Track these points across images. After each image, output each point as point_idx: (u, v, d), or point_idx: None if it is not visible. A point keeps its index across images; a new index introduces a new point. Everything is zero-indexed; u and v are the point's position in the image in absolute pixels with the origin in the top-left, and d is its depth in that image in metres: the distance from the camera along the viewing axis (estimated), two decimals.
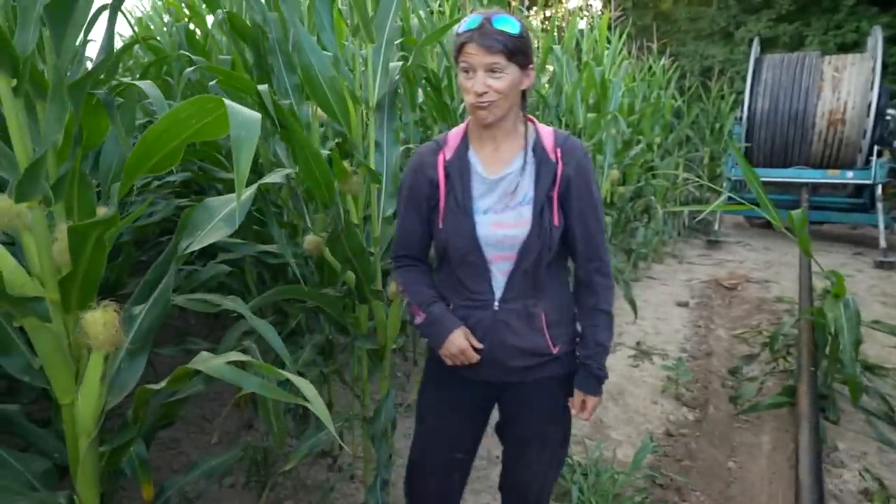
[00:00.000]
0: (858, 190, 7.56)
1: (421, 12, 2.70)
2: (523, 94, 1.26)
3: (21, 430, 1.14)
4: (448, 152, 1.30)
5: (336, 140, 2.06)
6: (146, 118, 2.56)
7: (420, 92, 3.05)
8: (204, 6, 3.24)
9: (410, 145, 2.69)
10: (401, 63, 1.89)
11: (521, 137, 1.28)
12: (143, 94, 1.24)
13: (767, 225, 8.43)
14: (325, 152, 1.77)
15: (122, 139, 1.25)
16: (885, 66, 7.11)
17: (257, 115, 0.74)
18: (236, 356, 0.95)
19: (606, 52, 4.01)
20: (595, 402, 1.35)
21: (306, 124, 2.02)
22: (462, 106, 2.77)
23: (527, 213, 1.25)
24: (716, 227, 7.48)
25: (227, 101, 0.74)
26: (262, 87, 1.51)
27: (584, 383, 1.34)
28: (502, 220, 1.26)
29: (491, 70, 1.15)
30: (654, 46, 6.39)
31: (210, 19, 3.11)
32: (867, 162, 6.99)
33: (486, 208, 1.27)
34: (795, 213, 2.72)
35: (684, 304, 4.78)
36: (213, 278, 1.87)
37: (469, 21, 1.17)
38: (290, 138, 1.69)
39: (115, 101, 1.22)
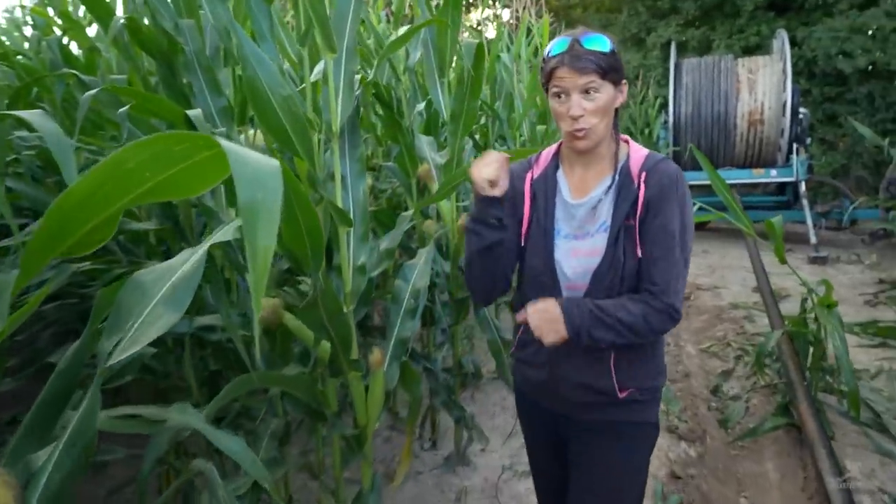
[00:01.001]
0: (780, 188, 8.15)
1: (366, 19, 2.46)
2: (616, 112, 1.26)
3: None
4: (537, 170, 1.34)
5: None
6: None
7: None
8: (82, 12, 2.80)
9: None
10: (359, 77, 1.64)
11: (612, 159, 1.27)
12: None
13: (698, 227, 8.89)
14: None
15: None
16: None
17: (276, 165, 0.47)
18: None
19: None
20: (540, 318, 1.20)
21: None
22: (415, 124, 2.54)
23: (601, 241, 1.23)
24: None
25: (226, 143, 0.46)
26: (194, 113, 1.19)
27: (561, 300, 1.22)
28: (578, 247, 1.26)
29: (585, 91, 1.17)
30: None
31: (92, 31, 2.68)
32: (787, 160, 7.54)
33: (567, 233, 1.28)
34: (776, 220, 2.74)
35: None
36: (135, 361, 1.49)
37: (556, 44, 1.19)
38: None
39: None
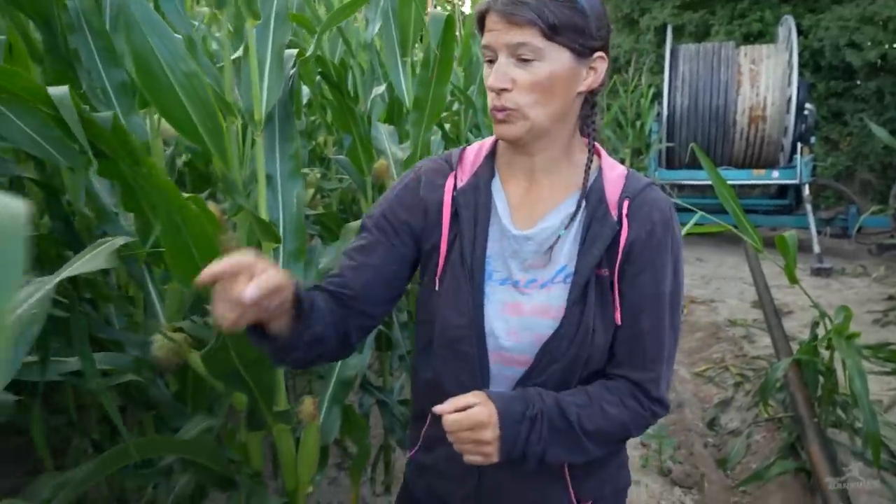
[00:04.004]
0: (781, 190, 8.19)
1: None
2: (586, 100, 0.96)
3: None
4: (462, 176, 0.99)
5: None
6: None
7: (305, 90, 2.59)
8: None
9: (305, 170, 2.21)
10: (295, 52, 1.44)
11: (576, 174, 0.97)
12: None
13: (693, 232, 8.88)
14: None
15: None
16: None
17: (19, 211, 0.27)
18: None
19: None
20: (461, 427, 0.84)
21: (145, 147, 1.49)
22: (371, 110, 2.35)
23: (559, 296, 0.93)
24: None
25: None
26: (58, 91, 0.98)
27: (505, 400, 0.88)
28: (521, 302, 0.94)
29: (518, 56, 0.86)
30: None
31: None
32: (790, 160, 7.56)
33: (504, 277, 0.95)
34: (789, 235, 2.63)
35: None
36: None
37: None
38: (124, 176, 1.16)
39: None
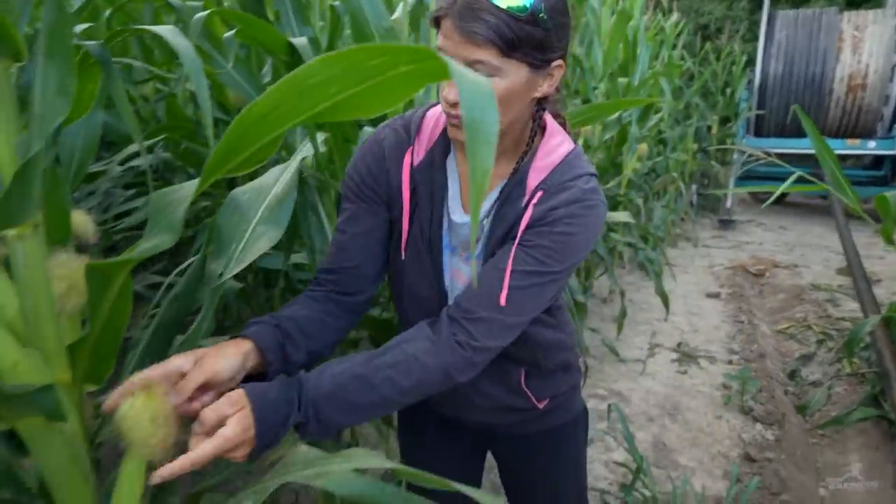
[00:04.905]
0: (877, 161, 7.71)
1: None
2: (540, 102, 0.91)
3: None
4: (419, 151, 0.96)
5: None
6: None
7: None
8: None
9: None
10: None
11: (517, 161, 0.94)
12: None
13: (776, 201, 8.53)
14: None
15: (125, 109, 0.93)
16: None
17: (489, 85, 0.47)
18: (366, 459, 0.67)
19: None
20: (234, 439, 0.72)
21: None
22: None
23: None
24: (727, 204, 7.48)
25: (449, 61, 0.46)
26: (299, 41, 1.20)
27: (259, 396, 0.76)
28: (462, 272, 1.00)
29: (474, 70, 0.79)
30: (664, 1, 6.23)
31: None
32: (889, 130, 7.10)
33: (455, 244, 0.99)
34: (891, 195, 2.60)
35: (715, 296, 4.70)
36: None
37: None
38: None
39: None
